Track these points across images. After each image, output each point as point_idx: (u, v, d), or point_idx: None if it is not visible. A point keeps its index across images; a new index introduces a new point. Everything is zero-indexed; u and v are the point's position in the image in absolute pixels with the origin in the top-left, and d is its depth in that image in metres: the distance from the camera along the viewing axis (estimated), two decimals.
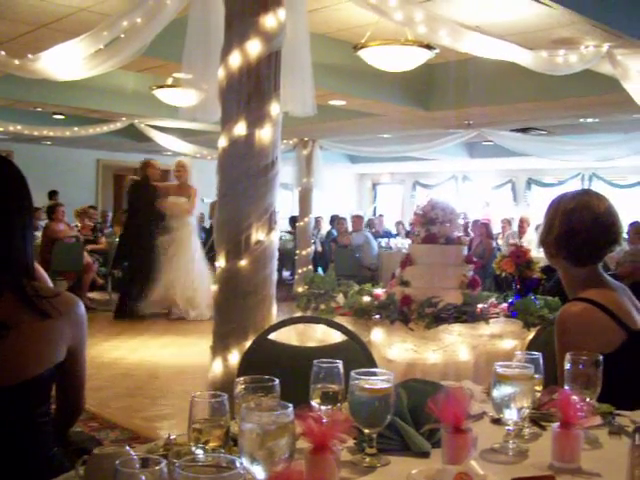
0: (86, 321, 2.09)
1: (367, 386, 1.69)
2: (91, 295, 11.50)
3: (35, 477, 1.93)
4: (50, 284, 2.89)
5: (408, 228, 14.21)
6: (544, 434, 1.90)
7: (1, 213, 1.99)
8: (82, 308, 2.08)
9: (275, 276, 4.70)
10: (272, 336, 2.86)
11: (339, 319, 4.53)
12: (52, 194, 15.08)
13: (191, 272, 10.16)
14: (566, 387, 1.94)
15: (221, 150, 4.59)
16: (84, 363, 2.14)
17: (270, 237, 4.56)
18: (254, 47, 4.41)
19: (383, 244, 14.30)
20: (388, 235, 16.44)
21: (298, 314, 5.10)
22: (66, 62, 6.16)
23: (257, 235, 4.49)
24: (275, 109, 4.53)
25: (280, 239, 5.56)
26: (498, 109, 10.15)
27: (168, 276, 9.99)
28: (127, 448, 1.45)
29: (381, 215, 19.40)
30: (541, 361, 2.00)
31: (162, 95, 9.32)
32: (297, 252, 14.05)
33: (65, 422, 2.26)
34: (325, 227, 16.70)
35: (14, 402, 1.92)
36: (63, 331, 1.98)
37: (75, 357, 2.06)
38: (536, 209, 15.86)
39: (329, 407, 1.78)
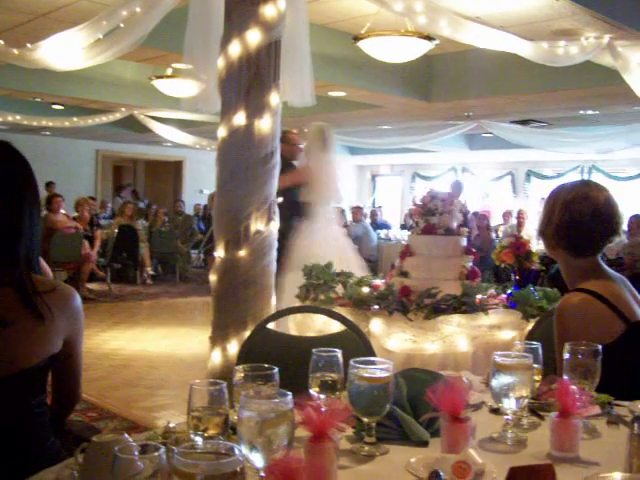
0: (82, 313, 2.09)
1: (366, 375, 1.69)
2: (90, 286, 11.50)
3: (33, 467, 1.93)
4: (51, 275, 2.90)
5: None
6: (543, 424, 1.91)
7: (13, 210, 1.99)
8: (78, 300, 2.07)
9: (274, 266, 4.70)
10: (271, 326, 2.86)
11: (338, 309, 4.53)
12: (48, 185, 15.08)
13: None
14: (565, 377, 1.94)
15: (220, 140, 4.58)
16: (80, 354, 2.14)
17: (269, 227, 4.56)
18: (254, 37, 4.40)
19: (382, 235, 14.30)
20: (386, 226, 16.42)
21: (297, 304, 5.10)
22: (65, 52, 6.14)
23: (256, 225, 4.49)
24: (274, 99, 4.52)
25: None
26: (498, 101, 10.14)
27: None
28: (126, 436, 1.45)
29: (379, 206, 19.39)
30: (540, 351, 2.00)
31: (161, 86, 9.31)
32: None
33: (62, 411, 2.26)
34: None
35: (9, 392, 1.92)
36: (59, 324, 1.98)
37: (71, 348, 2.07)
38: (535, 201, 15.86)
39: (328, 396, 1.79)
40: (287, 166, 6.47)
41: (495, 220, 14.49)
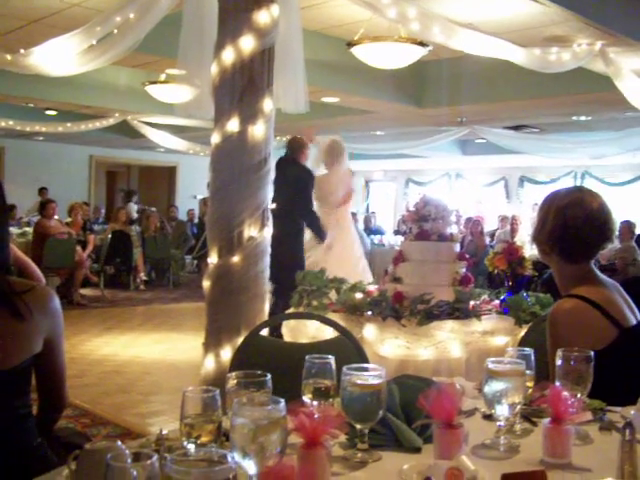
0: (61, 313, 2.10)
1: (359, 382, 1.69)
2: (83, 291, 11.47)
3: (19, 467, 1.92)
4: (43, 280, 2.90)
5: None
6: (535, 430, 1.91)
7: None
8: (56, 300, 2.08)
9: (267, 272, 4.70)
10: (264, 332, 2.86)
11: (331, 315, 4.52)
12: (42, 190, 15.06)
13: None
14: (557, 383, 1.94)
15: (214, 146, 4.59)
16: (62, 356, 2.14)
17: (262, 233, 4.56)
18: (247, 43, 4.40)
19: (376, 241, 14.30)
20: (380, 232, 16.43)
21: (290, 310, 5.09)
22: (59, 58, 6.14)
23: (249, 231, 4.49)
24: (268, 105, 4.53)
25: None
26: (491, 106, 10.16)
27: None
28: (119, 443, 1.45)
29: (373, 212, 19.39)
30: (533, 357, 2.01)
31: (155, 91, 9.31)
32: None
33: (49, 418, 2.25)
34: None
35: None
36: (39, 323, 1.98)
37: (52, 349, 2.06)
38: (529, 207, 15.89)
39: (321, 402, 1.79)
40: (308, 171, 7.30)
41: (489, 226, 14.50)
